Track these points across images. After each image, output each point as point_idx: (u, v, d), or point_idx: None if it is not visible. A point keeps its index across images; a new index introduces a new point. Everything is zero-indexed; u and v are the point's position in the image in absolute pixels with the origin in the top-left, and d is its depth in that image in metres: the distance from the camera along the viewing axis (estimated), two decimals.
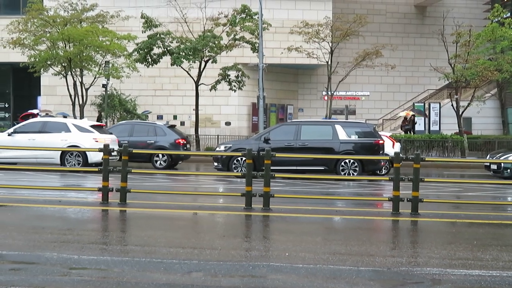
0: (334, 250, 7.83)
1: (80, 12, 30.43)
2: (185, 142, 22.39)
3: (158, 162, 21.40)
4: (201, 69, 28.91)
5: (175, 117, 34.70)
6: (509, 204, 13.04)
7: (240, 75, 29.36)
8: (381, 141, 18.94)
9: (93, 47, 28.96)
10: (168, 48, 28.08)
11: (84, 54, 28.93)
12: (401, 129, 32.63)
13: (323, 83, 34.51)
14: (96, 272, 6.57)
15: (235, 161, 18.06)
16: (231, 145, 19.36)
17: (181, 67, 28.18)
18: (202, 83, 28.95)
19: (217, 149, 19.67)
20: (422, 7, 42.15)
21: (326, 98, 32.34)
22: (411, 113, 32.84)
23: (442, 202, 12.73)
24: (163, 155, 21.10)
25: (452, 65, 30.89)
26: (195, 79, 28.88)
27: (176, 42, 28.27)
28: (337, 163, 17.98)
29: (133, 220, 10.46)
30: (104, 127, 22.15)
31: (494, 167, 19.19)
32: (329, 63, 30.50)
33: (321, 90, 36.82)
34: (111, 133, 20.96)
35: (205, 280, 6.32)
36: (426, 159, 13.46)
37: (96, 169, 14.04)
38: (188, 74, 28.83)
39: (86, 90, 30.09)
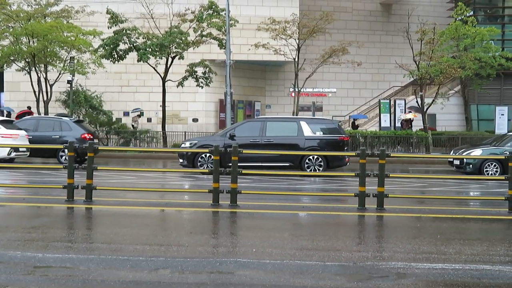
0: (301, 246, 7.89)
1: (44, 7, 29.94)
2: (91, 137, 22.03)
3: (64, 157, 20.70)
4: (168, 66, 28.74)
5: (142, 114, 34.43)
6: (472, 198, 13.31)
7: (207, 71, 29.28)
8: (345, 138, 19.16)
9: (58, 43, 28.53)
10: (135, 44, 27.83)
11: (48, 49, 28.48)
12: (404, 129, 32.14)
13: (290, 79, 34.65)
14: (61, 270, 6.49)
15: (200, 158, 18.03)
16: (196, 141, 19.34)
17: (148, 63, 27.97)
18: (169, 80, 28.79)
19: (182, 145, 19.59)
20: (387, 5, 42.66)
21: (293, 94, 32.49)
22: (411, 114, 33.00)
23: (407, 197, 12.93)
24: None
25: (417, 62, 31.36)
26: (162, 75, 28.70)
27: (143, 38, 28.04)
28: (302, 159, 18.14)
29: (99, 218, 10.35)
30: (14, 122, 21.85)
31: (457, 162, 19.66)
32: (296, 60, 30.64)
33: (288, 86, 37.01)
34: (20, 129, 20.60)
35: (172, 277, 6.30)
36: (392, 155, 13.61)
37: (61, 166, 13.87)
38: (155, 70, 28.63)
39: (51, 86, 29.64)
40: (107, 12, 27.68)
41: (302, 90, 31.86)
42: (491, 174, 18.29)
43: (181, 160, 18.61)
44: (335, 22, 34.55)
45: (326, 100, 40.29)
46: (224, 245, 7.97)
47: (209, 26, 28.00)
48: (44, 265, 6.66)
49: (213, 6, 28.06)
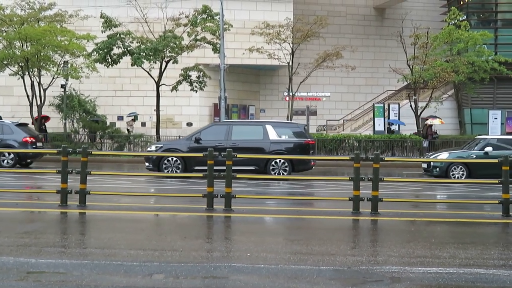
0: (295, 250, 7.87)
1: (37, 11, 29.86)
2: (34, 140, 21.85)
3: (5, 161, 20.58)
4: (162, 70, 28.69)
5: (136, 118, 34.35)
6: (466, 202, 13.33)
7: (201, 75, 29.24)
8: (311, 141, 19.20)
9: (51, 47, 28.43)
10: (128, 48, 27.77)
11: (42, 54, 28.39)
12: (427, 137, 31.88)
13: (285, 83, 34.66)
14: (54, 275, 6.45)
15: (165, 161, 18.02)
16: (162, 145, 19.37)
17: (142, 68, 27.91)
18: (163, 84, 28.74)
19: (148, 149, 19.54)
20: (381, 9, 42.79)
21: (287, 98, 32.51)
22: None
23: (401, 201, 12.94)
24: (9, 154, 20.49)
25: (411, 67, 31.47)
26: (156, 79, 28.65)
27: (137, 42, 27.98)
28: (267, 163, 18.11)
29: (93, 223, 10.31)
30: None
31: (424, 166, 19.95)
32: (290, 64, 30.66)
33: (283, 90, 36.99)
34: None
35: (166, 282, 6.27)
36: (386, 159, 13.65)
37: (54, 171, 13.81)
38: (149, 74, 28.58)
39: (44, 90, 29.54)
40: (101, 16, 27.63)
41: (296, 94, 31.87)
42: (458, 177, 18.41)
43: (147, 164, 18.57)
44: (329, 27, 34.62)
45: (320, 104, 40.31)
46: (218, 250, 7.95)
47: (203, 30, 27.98)
48: (37, 271, 6.62)
49: (207, 11, 28.05)
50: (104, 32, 27.71)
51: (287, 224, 10.44)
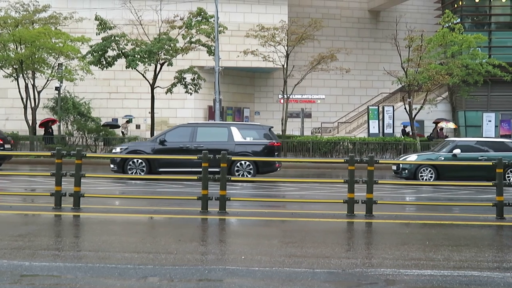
0: (290, 253, 7.87)
1: (32, 13, 29.83)
2: (1, 142, 21.76)
3: None
4: (157, 72, 28.67)
5: (130, 120, 34.32)
6: (460, 205, 13.36)
7: (196, 78, 29.24)
8: (276, 143, 19.22)
9: (46, 49, 28.39)
10: (123, 51, 27.74)
11: (36, 56, 28.34)
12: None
13: (279, 86, 34.72)
14: (48, 279, 6.42)
15: (130, 163, 18.00)
16: (126, 146, 19.38)
17: (136, 70, 27.88)
18: (158, 86, 28.72)
19: (114, 150, 19.54)
20: (375, 12, 42.91)
21: (282, 101, 32.54)
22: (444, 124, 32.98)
23: (395, 204, 12.96)
24: None
25: (405, 69, 31.54)
26: (151, 82, 28.62)
27: (131, 45, 27.96)
28: (232, 165, 18.08)
29: (87, 225, 10.28)
30: None
31: (394, 167, 20.08)
32: (285, 66, 30.70)
33: (277, 93, 37.05)
34: None
35: (161, 285, 6.26)
36: (380, 161, 13.67)
37: (48, 173, 13.77)
38: (144, 77, 28.55)
39: (39, 93, 29.48)
40: (96, 19, 27.60)
41: (291, 96, 31.91)
42: (426, 179, 18.53)
43: (112, 166, 18.57)
44: (324, 29, 34.69)
45: (315, 107, 40.38)
46: (213, 253, 7.94)
47: (198, 32, 27.99)
48: (31, 274, 6.59)
49: (202, 13, 28.06)
50: (99, 34, 27.68)
51: (282, 227, 10.44)
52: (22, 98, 29.26)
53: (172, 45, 27.69)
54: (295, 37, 30.68)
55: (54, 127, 31.21)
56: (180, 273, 6.65)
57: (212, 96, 30.25)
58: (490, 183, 11.75)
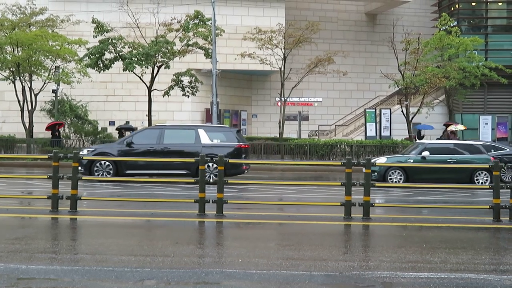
0: (287, 256, 7.87)
1: (29, 16, 29.80)
2: None
3: None
4: (154, 75, 28.66)
5: (127, 123, 34.29)
6: (457, 207, 13.38)
7: (193, 80, 29.24)
8: (244, 145, 19.22)
9: (43, 52, 28.37)
10: (120, 54, 27.73)
11: (33, 59, 28.31)
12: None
13: (277, 89, 34.73)
14: (45, 282, 6.41)
15: (97, 165, 17.98)
16: (94, 148, 19.39)
17: (134, 73, 27.87)
18: (155, 89, 28.71)
19: (81, 152, 19.51)
20: (372, 15, 42.98)
21: (279, 104, 32.54)
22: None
23: (393, 206, 12.97)
24: None
25: (402, 72, 31.60)
26: (148, 84, 28.61)
27: (128, 47, 27.95)
28: (199, 167, 18.06)
29: (84, 228, 10.26)
30: None
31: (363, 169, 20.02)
32: (282, 69, 30.72)
33: (275, 96, 37.08)
34: None
35: None
36: (377, 163, 13.68)
37: (45, 176, 13.75)
38: (141, 79, 28.54)
39: (36, 95, 29.44)
40: (93, 22, 27.60)
41: (288, 99, 31.94)
42: (395, 181, 18.59)
43: (79, 168, 18.42)
44: (321, 32, 34.73)
45: (312, 110, 40.41)
46: (210, 255, 7.94)
47: (195, 35, 28.00)
48: (28, 277, 6.58)
49: (199, 16, 28.07)
50: (96, 37, 27.68)
51: (279, 230, 10.44)
52: (19, 101, 29.22)
53: (169, 48, 27.71)
54: (292, 40, 30.71)
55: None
56: (177, 276, 6.65)
57: (210, 99, 30.26)
58: (487, 186, 11.76)
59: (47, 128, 29.78)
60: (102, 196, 14.02)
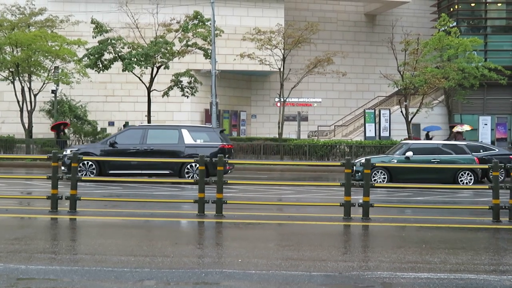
0: (286, 256, 7.87)
1: (28, 16, 29.79)
2: None
3: None
4: (153, 75, 28.66)
5: (126, 124, 34.28)
6: (457, 208, 13.38)
7: (192, 81, 29.24)
8: (227, 145, 19.25)
9: (42, 52, 28.37)
10: (120, 54, 27.73)
11: (32, 59, 28.32)
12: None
13: (276, 89, 34.74)
14: (45, 282, 6.41)
15: (80, 165, 17.85)
16: (77, 148, 19.31)
17: (133, 73, 27.87)
18: (155, 89, 28.71)
19: (64, 152, 19.52)
20: (372, 16, 43.00)
21: (278, 104, 32.55)
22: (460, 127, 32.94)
23: (392, 207, 12.97)
24: None
25: (401, 73, 31.61)
26: (147, 85, 28.61)
27: (128, 48, 27.94)
28: (182, 167, 18.12)
29: (84, 229, 10.26)
30: None
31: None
32: (282, 70, 30.72)
33: (274, 96, 37.08)
34: None
35: None
36: (376, 164, 13.68)
37: (45, 176, 13.75)
38: (140, 80, 28.54)
39: (35, 96, 29.43)
40: (92, 22, 27.60)
41: (287, 100, 31.94)
42: (379, 181, 18.61)
43: (63, 168, 18.42)
44: (320, 33, 34.74)
45: (311, 110, 40.41)
46: (209, 256, 7.94)
47: (195, 36, 28.00)
48: (27, 277, 6.58)
49: (199, 16, 28.07)
50: (95, 37, 27.67)
51: (279, 230, 10.44)
52: (18, 101, 29.22)
53: (168, 48, 27.71)
54: (292, 41, 30.72)
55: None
56: (176, 276, 6.64)
57: (209, 99, 30.26)
58: (486, 186, 11.76)
59: (52, 129, 29.77)
60: (101, 197, 14.01)
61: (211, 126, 21.02)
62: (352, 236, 10.08)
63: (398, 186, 16.94)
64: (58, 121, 30.24)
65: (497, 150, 22.35)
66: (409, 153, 19.05)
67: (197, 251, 8.27)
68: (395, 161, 18.91)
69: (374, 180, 18.52)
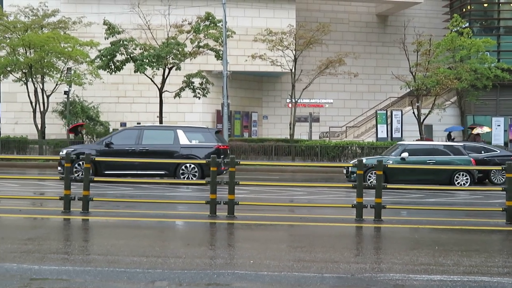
0: (298, 257, 7.85)
1: (41, 18, 29.99)
2: None
3: None
4: (165, 76, 28.73)
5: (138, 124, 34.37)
6: (469, 209, 13.29)
7: (204, 82, 29.28)
8: (222, 146, 19.25)
9: (55, 54, 28.54)
10: (132, 55, 27.82)
11: (45, 60, 28.50)
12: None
13: (287, 90, 34.70)
14: (58, 282, 6.44)
15: (76, 166, 17.97)
16: (73, 149, 19.38)
17: (145, 74, 27.96)
18: (166, 90, 28.78)
19: (60, 153, 19.59)
20: (383, 16, 42.84)
21: (290, 105, 32.52)
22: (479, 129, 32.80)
23: (404, 208, 12.91)
24: None
25: (413, 74, 31.47)
26: (159, 86, 28.69)
27: (140, 49, 28.03)
28: (177, 168, 18.14)
29: (96, 229, 10.30)
30: None
31: (344, 171, 20.20)
32: (293, 70, 30.69)
33: (285, 97, 37.02)
34: None
35: None
36: (389, 165, 13.63)
37: (58, 177, 13.84)
38: (152, 81, 28.63)
39: (48, 97, 29.62)
40: (104, 23, 27.72)
41: (299, 101, 31.89)
42: (375, 183, 18.41)
43: (59, 168, 18.53)
44: (332, 33, 34.67)
45: (323, 111, 40.30)
46: (221, 257, 7.94)
47: (206, 37, 28.04)
48: (40, 277, 6.61)
49: (210, 17, 28.11)
50: (107, 39, 27.79)
51: (290, 231, 10.43)
52: (31, 102, 29.42)
53: (180, 49, 27.76)
54: (303, 42, 30.67)
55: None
56: (189, 277, 6.65)
57: (220, 100, 30.28)
58: (500, 188, 11.68)
59: (70, 131, 29.96)
60: (113, 197, 14.06)
61: (206, 127, 21.08)
62: (365, 238, 10.04)
63: (410, 188, 16.85)
64: (76, 123, 30.43)
65: (498, 151, 22.24)
66: (405, 154, 18.96)
67: (209, 252, 8.27)
68: (391, 162, 18.80)
69: (370, 181, 18.52)
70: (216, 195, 11.17)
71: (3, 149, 28.35)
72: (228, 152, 19.98)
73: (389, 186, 12.74)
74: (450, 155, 19.39)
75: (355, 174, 18.82)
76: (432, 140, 34.16)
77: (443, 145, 20.60)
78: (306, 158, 28.30)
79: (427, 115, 31.99)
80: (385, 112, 35.62)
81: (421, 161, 18.85)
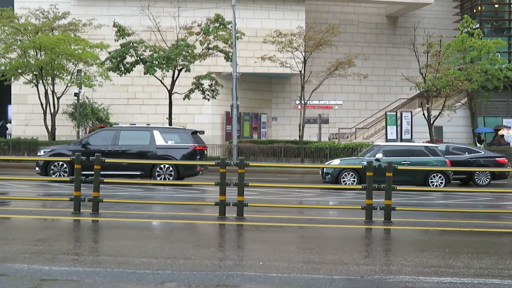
0: (308, 259, 7.84)
1: (51, 20, 30.16)
2: None
3: None
4: (175, 78, 28.80)
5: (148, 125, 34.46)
6: (479, 212, 13.23)
7: (213, 84, 29.31)
8: (199, 147, 19.28)
9: (65, 56, 28.70)
10: (141, 57, 27.91)
11: (55, 62, 28.65)
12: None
13: (297, 92, 34.66)
14: (68, 283, 6.47)
15: (52, 166, 18.13)
16: (51, 149, 19.54)
17: (154, 76, 28.04)
18: (176, 92, 28.85)
19: (38, 153, 19.69)
20: (393, 18, 42.72)
21: (299, 107, 32.49)
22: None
23: (414, 210, 12.86)
24: None
25: (423, 75, 31.36)
26: (169, 88, 28.76)
27: (149, 51, 28.13)
28: (153, 168, 18.21)
29: (106, 230, 10.34)
30: None
31: (320, 172, 20.28)
32: (303, 72, 30.66)
33: (295, 99, 37.01)
34: None
35: None
36: (398, 167, 13.58)
37: (68, 178, 13.91)
38: (162, 83, 28.71)
39: (58, 99, 29.78)
40: (114, 25, 27.83)
41: (308, 102, 31.87)
42: (349, 183, 18.51)
43: (37, 168, 18.75)
44: (341, 35, 34.60)
45: (332, 113, 40.27)
46: (230, 258, 7.94)
47: (216, 38, 28.08)
48: (51, 278, 6.64)
49: (220, 19, 28.16)
50: (117, 41, 27.90)
51: (300, 233, 10.41)
52: (41, 104, 29.58)
53: (189, 51, 27.81)
54: (313, 43, 30.64)
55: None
56: (198, 278, 6.66)
57: (230, 102, 30.32)
58: (510, 190, 11.61)
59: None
60: (122, 199, 14.10)
61: (183, 128, 21.29)
62: (374, 240, 10.01)
63: (420, 189, 16.79)
64: (99, 125, 30.60)
65: (482, 152, 22.26)
66: (379, 155, 18.92)
67: (218, 254, 8.28)
68: (365, 163, 18.76)
69: (344, 182, 18.52)
70: (225, 197, 11.18)
71: (13, 150, 28.55)
72: (205, 152, 20.13)
73: (399, 187, 12.68)
74: (426, 156, 19.38)
75: (329, 175, 18.96)
76: (442, 141, 34.05)
77: (419, 145, 20.61)
78: (315, 159, 28.24)
79: (437, 116, 31.85)
80: (394, 113, 35.50)
81: (395, 163, 18.76)
